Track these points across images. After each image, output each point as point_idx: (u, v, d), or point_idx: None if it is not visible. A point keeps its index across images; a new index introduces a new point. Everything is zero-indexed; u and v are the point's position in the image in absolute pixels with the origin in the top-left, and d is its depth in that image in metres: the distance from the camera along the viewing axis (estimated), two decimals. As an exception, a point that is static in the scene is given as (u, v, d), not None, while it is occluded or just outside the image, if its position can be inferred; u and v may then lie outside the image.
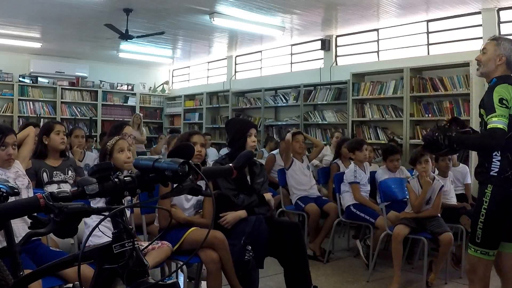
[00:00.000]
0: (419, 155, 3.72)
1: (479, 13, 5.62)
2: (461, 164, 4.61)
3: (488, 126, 2.29)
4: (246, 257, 2.84)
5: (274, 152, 5.53)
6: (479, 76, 2.77)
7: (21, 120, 8.52)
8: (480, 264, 2.40)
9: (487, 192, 2.39)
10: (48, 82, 9.12)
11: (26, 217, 1.13)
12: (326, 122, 6.98)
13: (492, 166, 2.38)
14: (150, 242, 2.20)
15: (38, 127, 3.91)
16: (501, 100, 2.30)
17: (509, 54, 2.51)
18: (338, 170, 4.73)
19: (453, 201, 4.12)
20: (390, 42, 6.73)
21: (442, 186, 3.75)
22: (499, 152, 2.36)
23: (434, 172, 4.45)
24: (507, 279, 2.50)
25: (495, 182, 2.37)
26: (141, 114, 8.40)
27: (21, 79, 8.75)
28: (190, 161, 1.15)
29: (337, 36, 7.33)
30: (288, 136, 4.64)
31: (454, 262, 3.89)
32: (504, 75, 2.48)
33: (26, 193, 2.40)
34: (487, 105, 2.36)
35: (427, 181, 3.61)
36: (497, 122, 2.26)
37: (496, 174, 2.37)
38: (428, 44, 6.26)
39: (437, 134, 2.51)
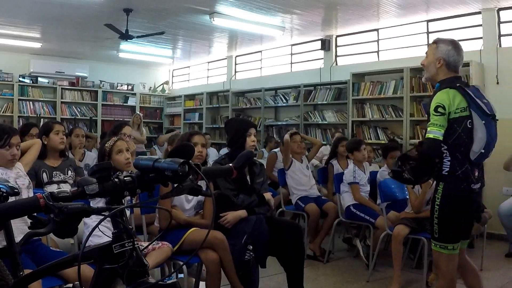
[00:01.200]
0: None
1: (479, 13, 5.62)
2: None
3: (425, 137, 2.41)
4: (246, 256, 2.84)
5: (275, 150, 5.53)
6: (425, 82, 2.83)
7: (21, 120, 8.52)
8: (441, 258, 2.47)
9: (439, 189, 2.47)
10: (48, 82, 9.12)
11: (26, 217, 1.13)
12: (326, 122, 6.98)
13: (444, 165, 2.44)
14: (150, 242, 2.20)
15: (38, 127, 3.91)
16: (436, 108, 2.38)
17: (447, 55, 2.53)
18: (333, 170, 4.74)
19: None
20: (390, 42, 6.72)
21: None
22: (449, 153, 2.43)
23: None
24: (467, 271, 2.60)
25: (446, 180, 2.44)
26: (141, 114, 8.40)
27: (21, 79, 8.75)
28: (190, 161, 1.15)
29: (337, 36, 7.33)
30: (286, 136, 4.64)
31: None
32: (447, 78, 2.51)
33: (27, 193, 2.41)
34: (428, 113, 2.45)
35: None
36: (429, 132, 2.38)
37: (447, 173, 2.44)
38: (428, 44, 6.24)
39: (401, 165, 2.54)
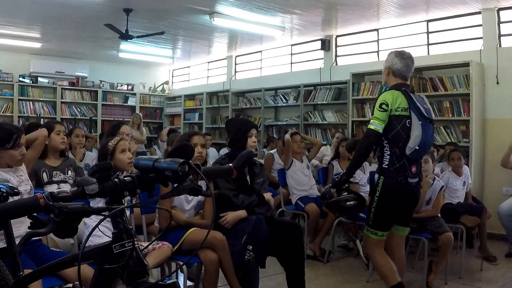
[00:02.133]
0: None
1: (479, 13, 5.62)
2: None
3: (368, 127, 2.79)
4: (246, 257, 2.84)
5: (272, 151, 5.53)
6: (384, 86, 3.14)
7: (21, 120, 8.53)
8: (370, 242, 2.85)
9: (380, 182, 2.77)
10: (48, 82, 9.12)
11: (26, 217, 1.13)
12: (326, 122, 6.98)
13: (384, 159, 2.75)
14: (150, 242, 2.20)
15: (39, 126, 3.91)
16: (380, 105, 2.73)
17: (391, 64, 2.87)
18: (333, 170, 4.74)
19: (455, 200, 4.14)
20: (390, 42, 6.72)
21: (442, 186, 3.75)
22: (389, 148, 2.73)
23: (442, 171, 4.49)
24: (394, 257, 2.88)
25: (386, 173, 2.74)
26: (141, 114, 8.40)
27: (21, 79, 8.75)
28: (190, 161, 1.15)
29: (337, 36, 7.33)
30: (287, 136, 4.64)
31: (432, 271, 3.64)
32: (395, 84, 2.83)
33: (28, 198, 2.39)
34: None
35: (426, 181, 3.61)
36: (371, 124, 2.74)
37: (386, 166, 2.74)
38: (428, 44, 6.25)
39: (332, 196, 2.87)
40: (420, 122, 2.69)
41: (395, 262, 2.84)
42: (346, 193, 2.89)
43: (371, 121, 2.75)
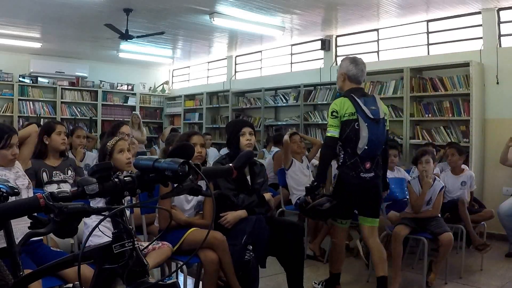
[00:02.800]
0: (420, 154, 3.72)
1: (479, 13, 5.62)
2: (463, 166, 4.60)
3: (326, 134, 3.14)
4: (246, 257, 2.84)
5: (278, 149, 5.50)
6: (338, 92, 3.57)
7: (21, 120, 8.53)
8: (335, 229, 3.27)
9: (336, 176, 3.21)
10: (48, 82, 9.12)
11: (26, 217, 1.13)
12: (326, 122, 6.94)
13: (339, 158, 3.13)
14: (150, 242, 2.20)
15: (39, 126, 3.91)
16: (332, 113, 3.06)
17: (347, 70, 3.15)
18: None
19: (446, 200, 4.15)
20: (390, 42, 6.72)
21: (443, 187, 3.75)
22: (342, 148, 3.09)
23: (441, 171, 4.49)
24: (369, 246, 3.19)
25: (341, 170, 3.14)
26: (139, 114, 8.39)
27: (21, 79, 8.75)
28: (190, 161, 1.15)
29: (337, 36, 7.33)
30: (286, 137, 4.64)
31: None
32: (349, 89, 3.14)
33: (26, 194, 2.40)
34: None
35: (427, 181, 3.61)
36: (328, 131, 3.08)
37: (341, 163, 3.13)
38: (428, 44, 6.25)
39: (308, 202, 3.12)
40: (366, 124, 3.00)
41: (371, 251, 3.21)
42: (320, 198, 3.11)
43: (328, 129, 3.08)
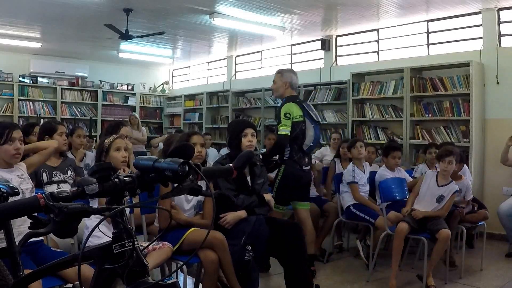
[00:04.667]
0: (445, 153, 3.64)
1: (479, 13, 5.62)
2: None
3: (278, 133, 3.68)
4: (246, 257, 2.84)
5: None
6: (275, 98, 4.27)
7: (21, 120, 8.52)
8: (275, 214, 3.55)
9: (281, 169, 3.70)
10: (48, 82, 9.12)
11: (26, 217, 1.12)
12: (326, 122, 6.97)
13: (285, 153, 3.65)
14: (150, 242, 2.19)
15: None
16: (285, 114, 3.62)
17: (291, 80, 3.80)
18: (335, 168, 4.74)
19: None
20: (390, 42, 6.72)
21: (456, 190, 3.70)
22: (290, 145, 3.64)
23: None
24: (303, 226, 3.61)
25: (286, 163, 3.67)
26: (136, 114, 8.38)
27: (21, 79, 8.75)
28: (190, 161, 1.15)
29: (337, 36, 7.33)
30: None
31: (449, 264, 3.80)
32: (291, 95, 3.79)
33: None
34: (278, 118, 3.71)
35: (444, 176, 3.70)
36: (282, 130, 3.63)
37: (287, 158, 3.66)
38: (428, 44, 6.25)
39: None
40: (313, 125, 3.71)
41: (307, 232, 3.63)
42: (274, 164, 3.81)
43: (280, 128, 3.62)
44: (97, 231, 1.25)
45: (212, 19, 6.06)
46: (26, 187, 2.36)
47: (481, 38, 5.60)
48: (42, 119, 8.27)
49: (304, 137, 3.66)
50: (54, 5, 5.66)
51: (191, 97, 9.74)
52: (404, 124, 5.80)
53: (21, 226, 2.18)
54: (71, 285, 2.14)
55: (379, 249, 3.79)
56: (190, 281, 3.16)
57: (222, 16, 6.04)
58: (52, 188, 3.02)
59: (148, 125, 10.28)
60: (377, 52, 6.87)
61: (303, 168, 3.71)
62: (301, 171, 3.70)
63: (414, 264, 4.03)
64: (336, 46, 7.37)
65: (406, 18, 6.15)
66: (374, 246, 3.84)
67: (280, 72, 3.86)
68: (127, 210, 1.56)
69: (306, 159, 3.75)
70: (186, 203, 2.89)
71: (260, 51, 8.70)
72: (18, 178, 2.36)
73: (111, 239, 1.17)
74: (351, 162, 4.32)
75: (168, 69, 11.03)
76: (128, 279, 1.15)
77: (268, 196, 3.24)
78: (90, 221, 2.39)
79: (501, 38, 5.51)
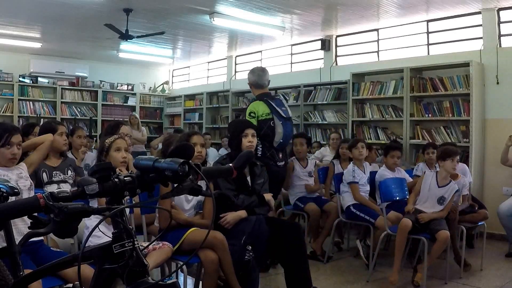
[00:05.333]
0: (451, 153, 3.69)
1: (479, 13, 5.61)
2: (459, 163, 4.57)
3: None
4: (246, 257, 2.84)
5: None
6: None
7: (21, 120, 8.52)
8: None
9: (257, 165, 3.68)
10: (48, 82, 9.12)
11: (26, 217, 1.13)
12: (326, 122, 6.97)
13: (258, 151, 3.69)
14: (150, 242, 2.20)
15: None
16: (250, 113, 3.77)
17: (254, 80, 3.96)
18: (334, 169, 4.74)
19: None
20: (390, 42, 6.72)
21: (457, 190, 3.72)
22: (260, 142, 3.67)
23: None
24: None
25: (260, 160, 3.61)
26: (136, 114, 8.37)
27: (21, 79, 8.75)
28: (190, 161, 1.15)
29: (337, 36, 7.33)
30: None
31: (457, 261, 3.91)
32: (260, 94, 3.91)
33: (28, 195, 2.38)
34: (243, 117, 3.83)
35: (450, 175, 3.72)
36: None
37: (260, 155, 3.72)
38: (428, 44, 6.25)
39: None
40: (281, 122, 3.77)
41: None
42: None
43: None
44: (97, 231, 1.25)
45: (212, 19, 6.06)
46: (23, 184, 2.38)
47: (481, 38, 5.60)
48: (42, 119, 8.27)
49: (273, 134, 3.75)
50: (54, 5, 5.66)
51: (191, 97, 9.74)
52: (404, 124, 5.80)
53: (21, 226, 2.18)
54: (71, 285, 2.13)
55: (379, 249, 3.79)
56: (190, 281, 3.16)
57: (222, 16, 6.04)
58: (52, 188, 3.02)
59: (148, 125, 10.28)
60: (377, 52, 6.87)
61: (277, 163, 3.80)
62: (276, 167, 3.79)
63: (414, 264, 4.03)
64: (336, 46, 7.37)
65: (406, 18, 6.15)
66: (374, 246, 3.84)
67: (248, 74, 4.02)
68: (127, 210, 1.56)
69: (280, 155, 3.85)
70: (186, 203, 2.89)
71: (260, 51, 8.70)
72: (17, 177, 2.38)
73: (111, 239, 1.17)
74: (351, 162, 4.32)
75: (168, 69, 11.03)
76: (128, 279, 1.15)
77: (268, 196, 3.25)
78: (90, 221, 2.39)
79: (501, 38, 5.51)
